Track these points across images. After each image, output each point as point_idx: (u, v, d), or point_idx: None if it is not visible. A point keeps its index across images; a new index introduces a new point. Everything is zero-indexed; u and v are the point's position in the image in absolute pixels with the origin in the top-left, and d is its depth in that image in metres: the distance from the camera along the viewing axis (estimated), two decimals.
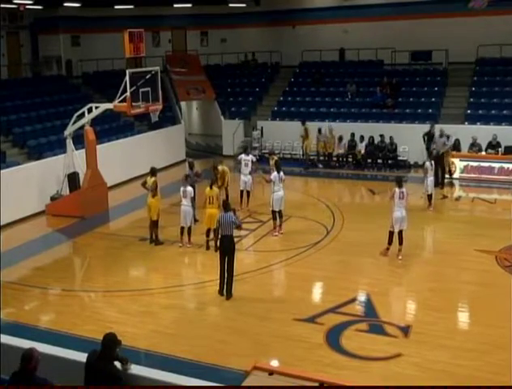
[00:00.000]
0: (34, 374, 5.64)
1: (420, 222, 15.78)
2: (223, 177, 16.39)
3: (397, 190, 12.90)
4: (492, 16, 22.78)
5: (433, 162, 16.66)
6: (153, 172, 14.49)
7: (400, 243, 13.00)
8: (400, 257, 12.95)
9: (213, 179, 14.64)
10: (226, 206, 11.70)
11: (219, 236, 11.49)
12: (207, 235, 13.70)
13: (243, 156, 17.13)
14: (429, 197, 16.55)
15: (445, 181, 19.13)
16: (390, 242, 13.08)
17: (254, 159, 17.52)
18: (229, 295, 11.26)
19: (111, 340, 6.14)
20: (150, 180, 14.36)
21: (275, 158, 16.86)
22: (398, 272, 12.46)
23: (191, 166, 15.99)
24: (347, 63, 26.83)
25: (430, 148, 19.63)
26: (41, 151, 18.55)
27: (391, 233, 13.01)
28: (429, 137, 20.49)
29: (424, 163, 17.03)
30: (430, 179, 16.43)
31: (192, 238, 14.09)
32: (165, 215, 15.04)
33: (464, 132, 19.76)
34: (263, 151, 24.03)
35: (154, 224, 14.33)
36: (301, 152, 23.08)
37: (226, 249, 11.30)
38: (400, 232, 12.97)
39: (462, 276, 12.13)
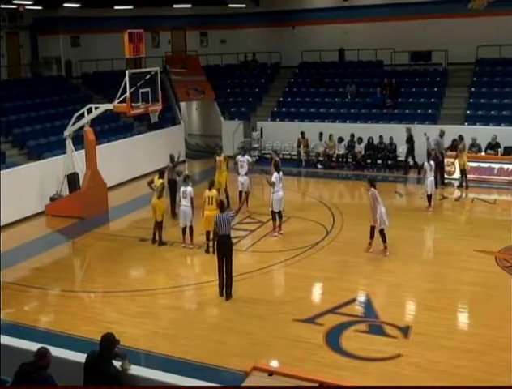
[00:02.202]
0: (42, 371, 5.78)
1: (419, 223, 15.81)
2: (225, 162, 16.55)
3: (373, 189, 13.07)
4: (492, 17, 22.80)
5: (432, 162, 16.65)
6: (161, 173, 14.73)
7: (373, 237, 13.20)
8: (387, 253, 13.09)
9: (212, 180, 14.64)
10: (222, 206, 11.74)
11: (217, 236, 11.50)
12: (207, 238, 13.65)
13: (239, 158, 17.18)
14: (429, 198, 16.55)
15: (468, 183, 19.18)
16: (384, 240, 13.17)
17: (250, 159, 17.54)
18: (229, 296, 11.25)
19: (109, 340, 6.15)
20: (157, 181, 14.45)
21: (276, 159, 16.87)
22: (398, 273, 12.44)
23: (172, 159, 16.70)
24: (347, 64, 26.82)
25: (410, 151, 20.50)
26: (41, 151, 18.55)
27: (382, 231, 13.10)
28: (408, 139, 20.95)
29: (422, 163, 17.00)
30: (430, 180, 16.40)
31: (193, 239, 14.08)
32: (165, 216, 15.04)
33: (464, 133, 19.73)
34: (263, 151, 24.06)
35: (159, 225, 14.35)
36: (300, 154, 23.13)
37: (223, 249, 11.30)
38: (383, 230, 13.10)
39: (462, 277, 12.12)
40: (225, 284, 11.29)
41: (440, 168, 18.77)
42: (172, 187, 16.40)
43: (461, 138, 19.20)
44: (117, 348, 6.26)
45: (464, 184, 18.92)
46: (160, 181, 14.48)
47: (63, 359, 6.51)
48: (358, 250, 13.44)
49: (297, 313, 10.52)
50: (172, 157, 16.82)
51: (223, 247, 11.30)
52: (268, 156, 21.70)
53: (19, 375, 5.83)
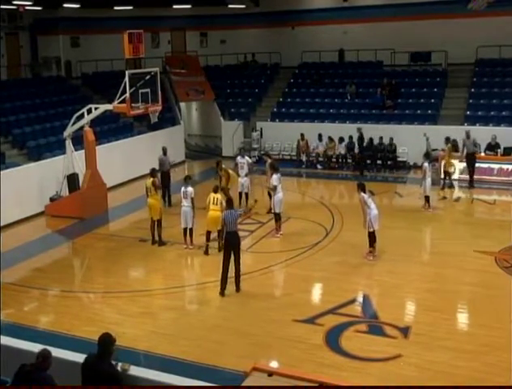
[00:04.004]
0: (43, 372, 5.82)
1: (419, 223, 15.81)
2: (227, 175, 16.38)
3: (363, 194, 12.96)
4: (492, 17, 22.79)
5: (430, 163, 16.72)
6: (151, 173, 14.74)
7: (375, 241, 13.03)
8: (371, 258, 12.99)
9: (217, 186, 14.53)
10: (230, 203, 11.97)
11: (225, 233, 11.61)
12: (207, 239, 13.65)
13: (238, 159, 17.19)
14: (427, 198, 16.57)
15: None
16: (371, 243, 13.04)
17: (250, 160, 17.54)
18: (238, 289, 11.47)
19: (106, 340, 6.14)
20: (148, 181, 14.43)
21: (269, 160, 16.83)
22: (398, 273, 12.44)
23: (165, 152, 17.82)
24: (347, 64, 26.84)
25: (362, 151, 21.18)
26: (41, 152, 18.55)
27: (372, 234, 12.95)
28: (359, 139, 21.54)
29: (422, 164, 16.98)
30: (428, 180, 16.42)
31: (194, 239, 14.07)
32: (165, 216, 15.03)
33: (463, 133, 19.69)
34: (262, 152, 24.06)
35: (158, 224, 14.35)
36: (300, 154, 23.13)
37: (232, 244, 11.42)
38: (372, 232, 13.01)
39: (462, 277, 12.13)
40: (235, 278, 11.46)
41: (471, 170, 18.96)
42: (165, 178, 17.27)
43: (447, 139, 19.17)
44: (114, 345, 6.25)
45: (446, 185, 18.93)
46: (151, 180, 14.45)
47: (63, 359, 6.51)
48: (358, 251, 13.41)
49: (297, 313, 10.52)
50: (164, 149, 17.86)
51: (231, 243, 11.42)
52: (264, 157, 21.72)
53: (19, 376, 5.83)
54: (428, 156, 17.11)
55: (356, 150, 22.14)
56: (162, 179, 17.07)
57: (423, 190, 16.51)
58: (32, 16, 25.59)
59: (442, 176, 19.04)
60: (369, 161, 22.25)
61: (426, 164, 16.47)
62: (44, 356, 5.88)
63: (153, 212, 14.29)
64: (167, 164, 17.93)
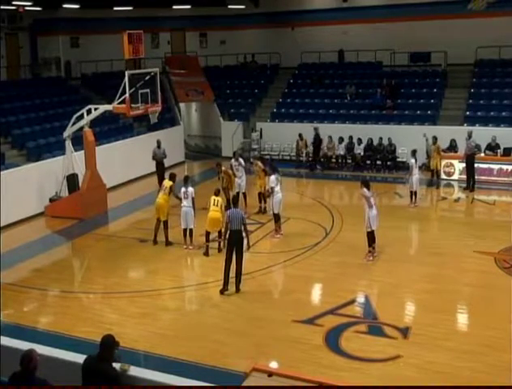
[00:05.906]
0: (34, 375, 5.68)
1: (419, 223, 15.82)
2: (228, 176, 16.42)
3: (366, 191, 12.90)
4: (491, 18, 22.81)
5: (417, 160, 16.97)
6: (172, 176, 14.84)
7: (374, 241, 12.96)
8: (371, 258, 12.93)
9: (218, 189, 14.54)
10: (235, 201, 12.04)
11: (229, 231, 11.59)
12: (207, 240, 13.67)
13: (232, 162, 17.24)
14: (413, 194, 16.89)
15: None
16: (369, 243, 12.97)
17: (243, 162, 17.55)
18: (238, 289, 11.46)
19: (109, 342, 6.13)
20: (168, 182, 14.49)
21: (259, 164, 16.72)
22: (398, 273, 12.45)
23: (159, 145, 19.34)
24: (347, 65, 26.86)
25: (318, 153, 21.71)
26: (40, 152, 18.54)
27: (371, 233, 12.89)
28: (315, 140, 21.88)
29: (407, 161, 17.12)
30: (415, 177, 16.77)
31: (194, 240, 14.07)
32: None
33: (463, 134, 19.70)
34: (262, 152, 24.05)
35: (164, 226, 14.35)
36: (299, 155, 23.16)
37: (235, 241, 11.42)
38: (370, 232, 12.95)
39: (462, 278, 12.14)
40: (235, 278, 11.46)
41: (470, 171, 18.85)
42: (159, 167, 19.24)
43: (435, 139, 19.22)
44: (117, 349, 6.25)
45: (435, 184, 19.01)
46: (170, 183, 14.47)
47: (63, 360, 6.49)
48: (357, 251, 13.40)
49: (297, 314, 10.52)
50: (158, 142, 19.47)
51: (234, 240, 11.43)
52: (267, 157, 21.72)
53: (12, 383, 5.75)
54: (414, 153, 17.14)
55: (309, 148, 22.62)
56: (156, 168, 19.34)
57: (409, 186, 16.89)
58: (31, 17, 25.57)
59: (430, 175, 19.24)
60: (368, 161, 22.33)
61: (413, 161, 16.83)
62: (26, 359, 5.70)
63: (161, 213, 14.28)
64: (160, 154, 19.35)
